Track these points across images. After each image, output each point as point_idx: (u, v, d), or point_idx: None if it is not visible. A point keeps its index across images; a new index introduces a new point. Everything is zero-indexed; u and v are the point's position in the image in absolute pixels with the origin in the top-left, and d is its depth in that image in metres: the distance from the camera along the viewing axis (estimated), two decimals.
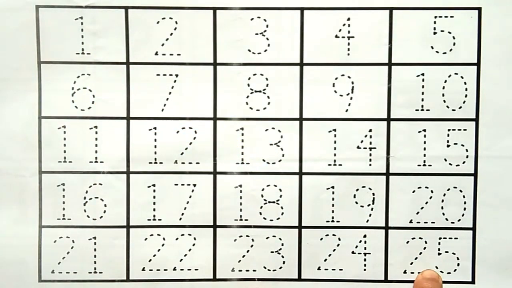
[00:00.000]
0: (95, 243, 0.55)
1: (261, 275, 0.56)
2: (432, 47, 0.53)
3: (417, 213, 0.55)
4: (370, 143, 0.54)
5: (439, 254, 0.55)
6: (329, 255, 0.55)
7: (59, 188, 0.55)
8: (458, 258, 0.55)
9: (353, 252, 0.55)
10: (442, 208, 0.55)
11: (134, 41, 0.53)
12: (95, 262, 0.55)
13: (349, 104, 0.54)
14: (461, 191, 0.54)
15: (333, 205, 0.55)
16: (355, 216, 0.55)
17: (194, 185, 0.55)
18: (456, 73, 0.54)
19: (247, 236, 0.55)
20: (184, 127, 0.54)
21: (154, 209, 0.55)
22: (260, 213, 0.55)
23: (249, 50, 0.54)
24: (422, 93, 0.54)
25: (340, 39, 0.54)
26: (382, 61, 0.54)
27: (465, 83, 0.54)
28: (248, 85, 0.54)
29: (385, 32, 0.53)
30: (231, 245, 0.55)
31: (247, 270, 0.56)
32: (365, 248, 0.55)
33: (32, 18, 0.53)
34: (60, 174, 0.54)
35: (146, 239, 0.55)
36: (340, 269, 0.55)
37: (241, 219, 0.55)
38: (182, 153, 0.55)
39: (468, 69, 0.54)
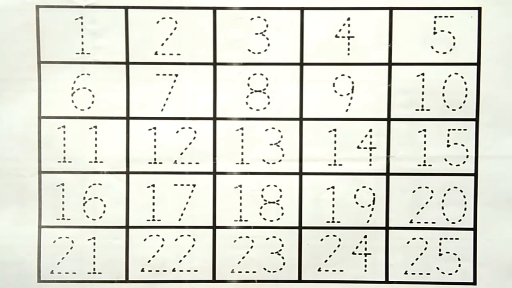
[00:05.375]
0: (94, 244, 0.55)
1: (261, 277, 0.55)
2: (432, 47, 0.53)
3: (418, 213, 0.55)
4: (370, 143, 0.54)
5: (440, 254, 0.55)
6: (330, 256, 0.55)
7: (59, 188, 0.54)
8: (459, 259, 0.55)
9: (353, 253, 0.55)
10: (442, 208, 0.55)
11: (134, 41, 0.54)
12: (94, 263, 0.55)
13: (349, 104, 0.54)
14: (461, 191, 0.54)
15: (333, 205, 0.55)
16: (355, 216, 0.55)
17: (194, 185, 0.55)
18: (456, 73, 0.54)
19: (247, 237, 0.55)
20: (184, 127, 0.54)
21: (153, 210, 0.55)
22: (260, 214, 0.55)
23: (249, 50, 0.54)
24: (422, 93, 0.54)
25: (340, 39, 0.54)
26: (382, 61, 0.54)
27: (465, 83, 0.54)
28: (248, 85, 0.54)
29: (385, 32, 0.53)
30: (231, 246, 0.55)
31: (247, 272, 0.55)
32: (365, 249, 0.55)
33: (32, 18, 0.53)
34: (59, 174, 0.54)
35: (145, 239, 0.55)
36: (341, 270, 0.55)
37: (241, 220, 0.55)
38: (181, 153, 0.54)
39: (468, 69, 0.54)
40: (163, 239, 0.55)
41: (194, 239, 0.55)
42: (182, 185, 0.55)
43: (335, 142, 0.54)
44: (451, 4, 0.53)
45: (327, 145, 0.54)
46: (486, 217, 0.54)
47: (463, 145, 0.54)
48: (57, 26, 0.53)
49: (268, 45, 0.54)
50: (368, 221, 0.55)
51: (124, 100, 0.54)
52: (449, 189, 0.54)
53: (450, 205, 0.54)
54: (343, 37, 0.54)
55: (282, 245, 0.55)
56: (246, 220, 0.55)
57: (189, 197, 0.55)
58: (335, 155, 0.54)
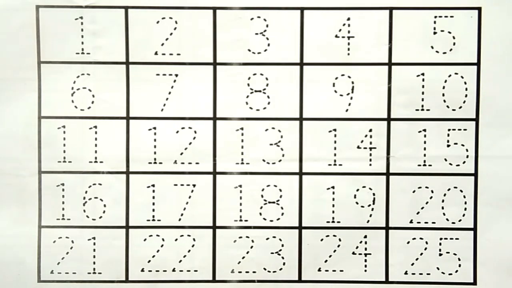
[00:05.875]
0: (94, 244, 0.55)
1: (261, 277, 0.55)
2: (432, 47, 0.53)
3: (418, 213, 0.55)
4: (370, 143, 0.54)
5: (440, 255, 0.55)
6: (330, 256, 0.55)
7: (59, 188, 0.54)
8: (459, 259, 0.55)
9: (353, 253, 0.55)
10: (442, 208, 0.54)
11: (134, 41, 0.54)
12: (94, 263, 0.55)
13: (349, 104, 0.54)
14: (461, 191, 0.54)
15: (333, 205, 0.54)
16: (355, 216, 0.55)
17: (194, 185, 0.55)
18: (456, 73, 0.54)
19: (247, 237, 0.55)
20: (184, 127, 0.54)
21: (153, 210, 0.55)
22: (260, 214, 0.55)
23: (249, 50, 0.54)
24: (422, 93, 0.54)
25: (340, 39, 0.54)
26: (382, 61, 0.54)
27: (465, 83, 0.54)
28: (248, 85, 0.54)
29: (385, 32, 0.53)
30: (231, 246, 0.55)
31: (247, 272, 0.55)
32: (365, 249, 0.55)
33: (32, 18, 0.53)
34: (59, 174, 0.54)
35: (145, 239, 0.55)
36: (341, 270, 0.55)
37: (241, 220, 0.55)
38: (181, 153, 0.54)
39: (468, 69, 0.54)
40: (163, 239, 0.55)
41: (194, 239, 0.55)
42: (182, 185, 0.55)
43: (335, 142, 0.54)
44: (451, 4, 0.53)
45: (327, 145, 0.54)
46: (486, 217, 0.54)
47: (463, 145, 0.54)
48: (57, 26, 0.53)
49: (268, 45, 0.54)
50: (368, 221, 0.55)
51: (124, 100, 0.54)
52: (449, 189, 0.54)
53: (450, 205, 0.54)
54: (343, 37, 0.54)
55: (282, 245, 0.55)
56: (246, 220, 0.55)
57: (189, 197, 0.55)
58: (335, 155, 0.54)
